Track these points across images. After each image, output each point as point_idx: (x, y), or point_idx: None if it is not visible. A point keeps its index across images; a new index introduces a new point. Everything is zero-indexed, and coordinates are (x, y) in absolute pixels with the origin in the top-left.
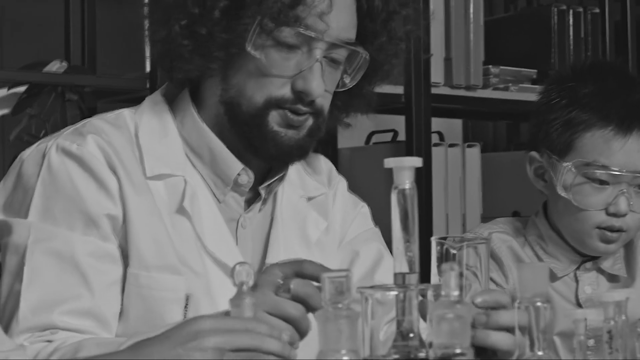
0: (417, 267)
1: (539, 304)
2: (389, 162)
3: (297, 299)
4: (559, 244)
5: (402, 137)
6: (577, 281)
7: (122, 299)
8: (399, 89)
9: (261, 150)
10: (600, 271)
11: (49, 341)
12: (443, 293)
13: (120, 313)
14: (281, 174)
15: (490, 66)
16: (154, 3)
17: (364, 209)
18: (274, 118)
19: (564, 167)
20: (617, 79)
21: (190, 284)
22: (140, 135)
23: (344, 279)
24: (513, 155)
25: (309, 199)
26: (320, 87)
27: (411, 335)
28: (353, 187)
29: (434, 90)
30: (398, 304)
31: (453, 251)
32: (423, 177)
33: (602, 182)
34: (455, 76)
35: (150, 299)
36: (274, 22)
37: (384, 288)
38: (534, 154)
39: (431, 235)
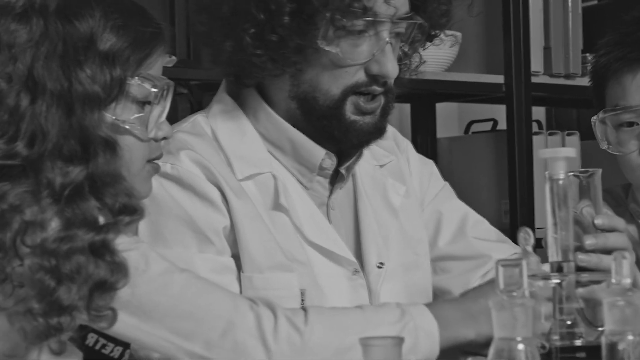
0: (572, 255)
1: None
2: (545, 153)
3: None
4: None
5: (501, 126)
6: None
7: None
8: (499, 79)
9: (344, 140)
10: None
11: None
12: (614, 280)
13: None
14: (358, 152)
15: (588, 54)
16: (208, 15)
17: (434, 167)
18: (349, 108)
19: (594, 120)
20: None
21: (301, 279)
22: (220, 138)
23: (518, 267)
24: None
25: (381, 166)
26: (396, 67)
27: (570, 322)
28: (453, 177)
29: (533, 80)
30: (557, 292)
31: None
32: (525, 166)
33: (629, 124)
34: (554, 65)
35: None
36: (344, 17)
37: (544, 276)
38: (593, 118)
39: (534, 225)
